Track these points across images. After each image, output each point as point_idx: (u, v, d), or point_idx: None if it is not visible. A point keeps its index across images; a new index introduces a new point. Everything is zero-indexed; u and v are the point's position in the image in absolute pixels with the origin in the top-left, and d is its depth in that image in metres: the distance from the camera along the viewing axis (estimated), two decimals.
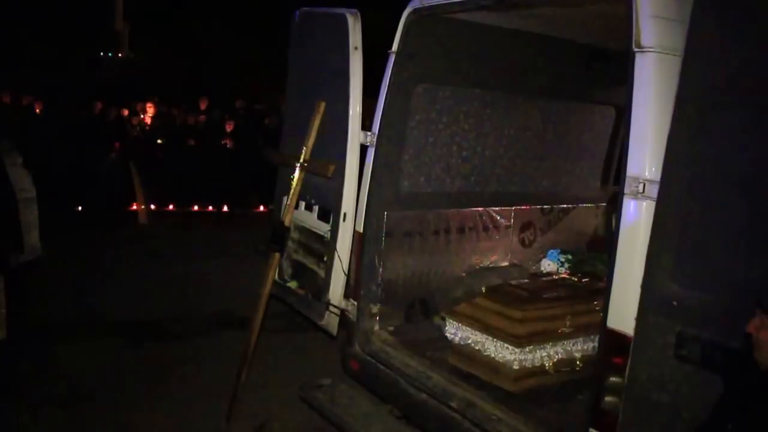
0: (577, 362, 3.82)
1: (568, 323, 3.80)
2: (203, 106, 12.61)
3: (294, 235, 4.68)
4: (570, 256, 5.01)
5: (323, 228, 4.36)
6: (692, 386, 2.35)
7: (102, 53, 17.91)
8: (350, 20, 4.06)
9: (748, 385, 2.02)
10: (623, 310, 2.59)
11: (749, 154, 2.29)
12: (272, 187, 4.98)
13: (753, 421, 1.86)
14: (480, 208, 4.80)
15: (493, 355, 3.69)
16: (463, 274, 4.72)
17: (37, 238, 5.16)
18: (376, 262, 4.20)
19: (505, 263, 4.99)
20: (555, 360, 3.75)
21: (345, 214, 4.12)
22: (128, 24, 18.01)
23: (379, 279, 4.23)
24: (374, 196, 4.10)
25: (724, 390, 2.13)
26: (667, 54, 2.55)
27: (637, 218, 2.59)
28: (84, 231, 9.24)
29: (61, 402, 4.57)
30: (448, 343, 3.99)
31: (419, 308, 4.51)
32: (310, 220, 4.53)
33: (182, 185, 11.30)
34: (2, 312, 4.54)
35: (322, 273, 4.34)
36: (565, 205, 5.34)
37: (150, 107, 12.20)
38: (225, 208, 11.60)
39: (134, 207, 10.93)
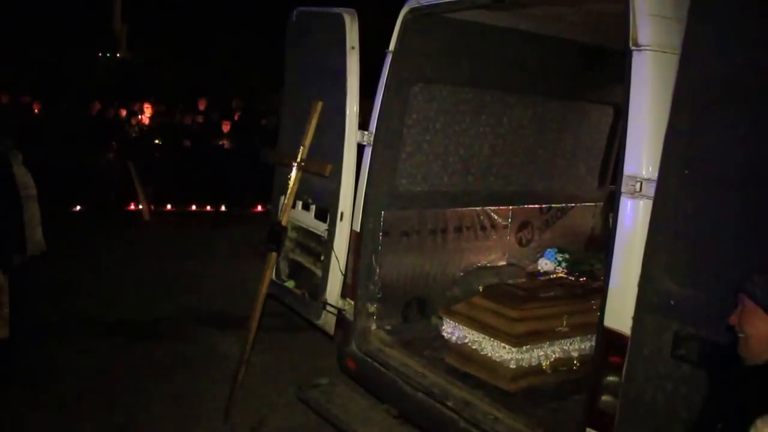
0: (574, 362, 3.81)
1: (565, 322, 3.80)
2: (201, 106, 12.60)
3: (291, 234, 4.68)
4: (567, 256, 5.01)
5: (320, 227, 4.35)
6: (689, 385, 2.35)
7: (100, 54, 17.89)
8: (347, 20, 4.05)
9: (735, 382, 2.01)
10: (620, 309, 2.59)
11: (746, 152, 2.29)
12: (269, 186, 4.98)
13: (742, 418, 1.85)
14: (477, 208, 4.80)
15: (490, 355, 3.69)
16: (461, 274, 4.72)
17: (40, 235, 5.18)
18: (373, 261, 4.20)
19: (503, 262, 4.98)
20: (552, 359, 3.74)
21: (342, 214, 4.11)
22: (126, 25, 18.00)
23: (376, 278, 4.23)
24: (371, 195, 4.10)
25: (712, 388, 2.13)
26: (665, 52, 2.55)
27: (634, 217, 2.59)
28: (81, 231, 9.22)
29: (57, 402, 4.56)
30: (445, 343, 3.98)
31: (416, 307, 4.51)
32: (308, 219, 4.52)
33: (180, 185, 11.28)
34: (5, 311, 4.55)
35: (319, 272, 4.34)
36: (562, 205, 5.34)
37: (148, 108, 12.19)
38: (222, 208, 11.59)
39: (132, 207, 10.93)
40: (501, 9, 3.72)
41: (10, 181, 4.75)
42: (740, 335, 1.95)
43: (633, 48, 2.61)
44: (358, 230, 4.13)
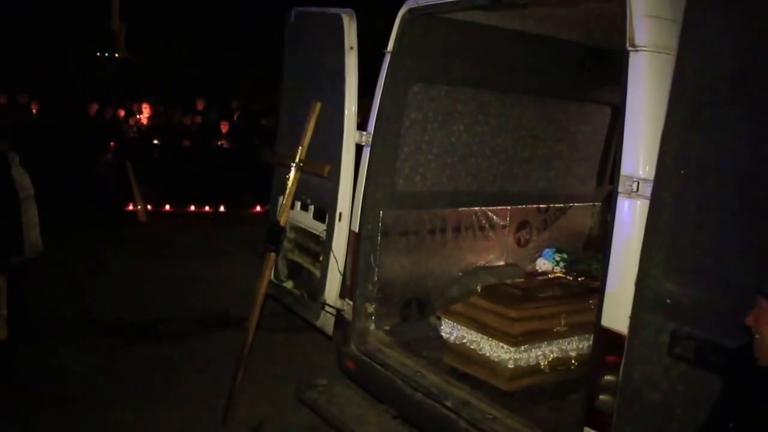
0: (572, 361, 3.82)
1: (563, 322, 3.80)
2: (200, 106, 12.60)
3: (290, 235, 4.68)
4: (565, 255, 5.03)
5: (319, 228, 4.36)
6: (686, 384, 2.36)
7: (98, 53, 17.86)
8: (345, 20, 4.05)
9: (749, 383, 2.01)
10: (617, 309, 2.59)
11: (742, 152, 2.30)
12: (268, 187, 4.98)
13: (755, 419, 1.85)
14: (476, 208, 4.80)
15: (488, 355, 3.70)
16: (459, 274, 4.72)
17: (38, 236, 5.19)
18: (372, 261, 4.20)
19: (501, 262, 4.99)
20: (550, 359, 3.75)
21: (340, 214, 4.12)
22: (124, 24, 17.97)
23: (375, 278, 4.23)
24: (370, 195, 4.10)
25: (724, 388, 2.13)
26: (661, 53, 2.56)
27: (631, 217, 2.60)
28: (80, 231, 9.23)
29: (56, 402, 4.56)
30: (444, 343, 3.99)
31: (415, 308, 4.51)
32: (306, 220, 4.52)
33: (179, 186, 11.29)
34: (3, 312, 4.56)
35: (317, 273, 4.34)
36: (561, 205, 5.34)
37: (146, 108, 12.19)
38: (221, 209, 11.60)
39: (131, 207, 10.93)
40: (499, 9, 3.73)
41: (7, 182, 4.75)
42: (756, 336, 1.96)
43: (630, 49, 2.62)
44: (357, 230, 4.13)
